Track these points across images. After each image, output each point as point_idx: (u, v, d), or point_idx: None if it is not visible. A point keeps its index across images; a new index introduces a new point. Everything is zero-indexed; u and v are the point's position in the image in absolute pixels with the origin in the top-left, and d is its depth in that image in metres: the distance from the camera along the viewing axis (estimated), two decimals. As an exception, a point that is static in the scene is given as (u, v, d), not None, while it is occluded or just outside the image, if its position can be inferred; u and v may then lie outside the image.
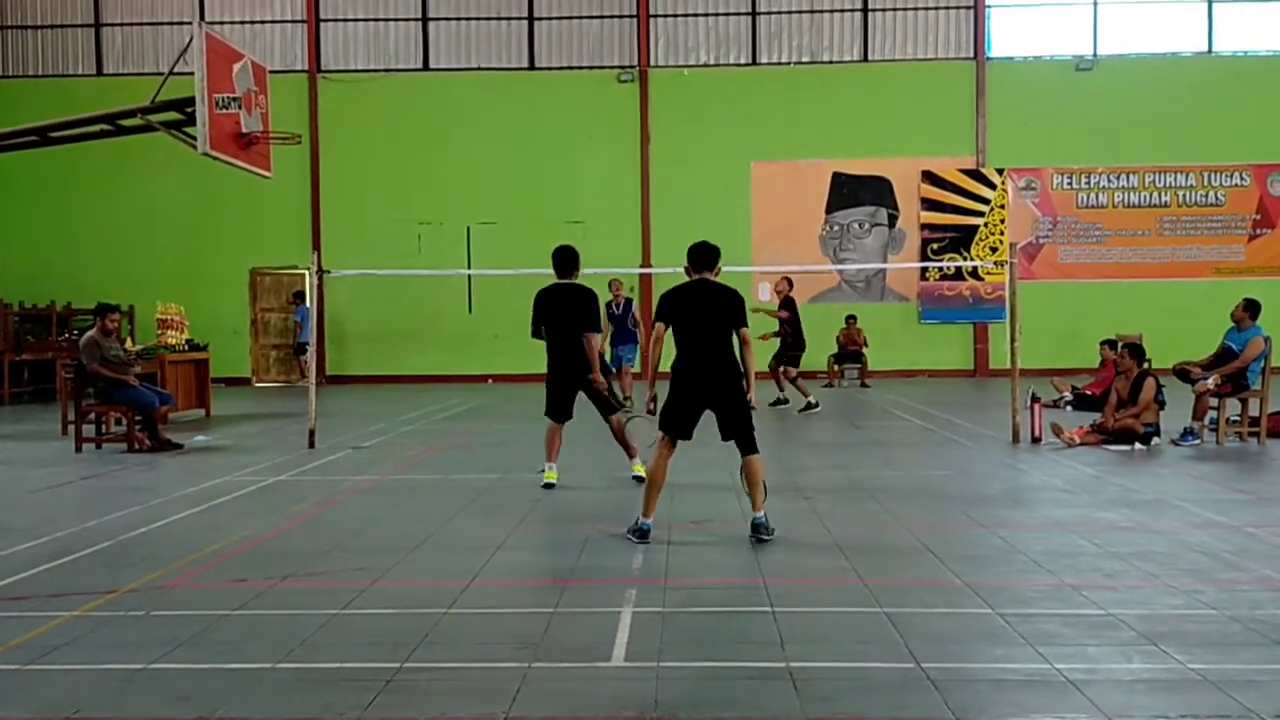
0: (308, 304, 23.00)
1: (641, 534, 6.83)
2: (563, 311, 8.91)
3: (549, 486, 8.81)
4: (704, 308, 7.05)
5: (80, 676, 4.38)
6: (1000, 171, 23.20)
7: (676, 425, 7.06)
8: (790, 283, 16.30)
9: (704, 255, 7.24)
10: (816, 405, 15.18)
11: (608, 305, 15.49)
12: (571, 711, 3.95)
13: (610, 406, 9.05)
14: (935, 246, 23.25)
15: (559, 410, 9.07)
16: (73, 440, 11.97)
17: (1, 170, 22.46)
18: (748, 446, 7.08)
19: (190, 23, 15.80)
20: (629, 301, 15.62)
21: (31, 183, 23.20)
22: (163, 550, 6.70)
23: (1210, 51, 23.22)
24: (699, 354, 6.99)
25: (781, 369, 15.97)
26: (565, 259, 9.11)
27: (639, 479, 8.47)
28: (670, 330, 7.05)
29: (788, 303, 16.06)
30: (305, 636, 4.86)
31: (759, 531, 6.81)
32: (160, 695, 4.15)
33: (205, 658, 4.59)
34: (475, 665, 4.50)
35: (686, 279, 7.19)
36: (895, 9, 23.38)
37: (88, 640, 4.86)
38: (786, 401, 15.99)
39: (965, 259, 23.05)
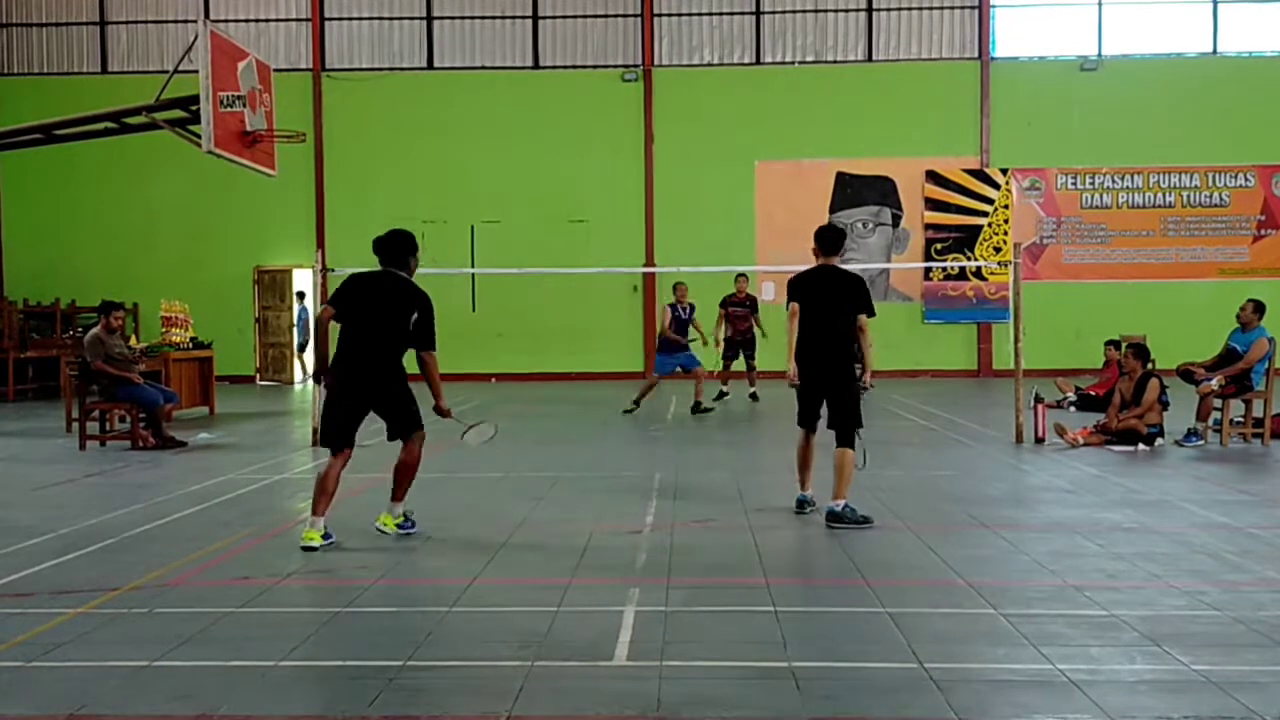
0: (307, 303, 23.03)
1: (799, 504, 7.63)
2: (384, 309, 6.72)
3: (308, 550, 6.50)
4: (830, 292, 7.49)
5: (84, 673, 4.39)
6: (1004, 171, 23.16)
7: (804, 418, 7.67)
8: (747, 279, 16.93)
9: (833, 239, 7.70)
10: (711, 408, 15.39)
11: (673, 307, 15.38)
12: (574, 710, 3.95)
13: (411, 426, 6.90)
14: (939, 246, 23.23)
15: (338, 435, 6.77)
16: (77, 438, 11.99)
17: (7, 168, 22.51)
18: (843, 439, 7.50)
19: (195, 21, 15.80)
20: (693, 306, 15.53)
21: (37, 180, 23.21)
22: (166, 548, 6.71)
23: (1215, 52, 23.18)
24: (817, 342, 7.47)
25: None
26: (393, 245, 6.88)
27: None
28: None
29: (754, 302, 16.78)
30: (308, 634, 4.87)
31: (830, 520, 7.15)
32: (163, 692, 4.16)
33: (208, 655, 4.60)
34: (478, 664, 4.51)
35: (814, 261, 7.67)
36: (899, 9, 23.35)
37: (91, 637, 4.87)
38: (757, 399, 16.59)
39: (969, 259, 23.03)
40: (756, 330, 16.51)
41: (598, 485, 9.17)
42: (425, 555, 6.57)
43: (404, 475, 6.98)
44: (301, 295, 23.25)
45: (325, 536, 6.64)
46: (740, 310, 16.34)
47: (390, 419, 6.90)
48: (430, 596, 5.54)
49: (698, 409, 14.91)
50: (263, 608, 5.38)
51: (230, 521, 7.60)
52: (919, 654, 4.52)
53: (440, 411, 6.93)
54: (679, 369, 15.28)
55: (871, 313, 7.49)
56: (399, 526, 6.99)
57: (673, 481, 9.17)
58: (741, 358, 16.49)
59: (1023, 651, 4.59)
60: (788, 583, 5.77)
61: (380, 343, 6.73)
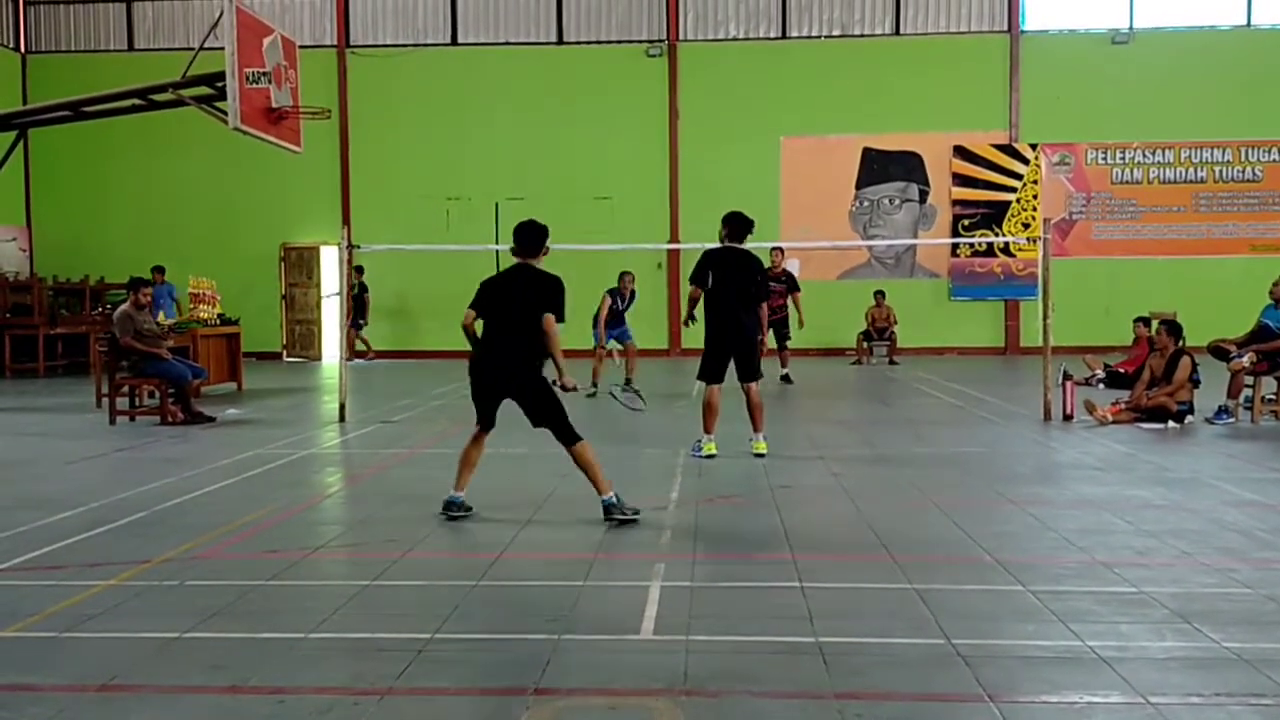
0: (167, 280, 20.30)
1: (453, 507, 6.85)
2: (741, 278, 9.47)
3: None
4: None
5: (115, 644, 4.44)
6: (1034, 146, 22.91)
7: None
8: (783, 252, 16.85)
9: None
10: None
11: (613, 294, 14.73)
12: (601, 684, 3.96)
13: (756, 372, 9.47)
14: (967, 222, 23.02)
15: (717, 371, 9.46)
16: (107, 413, 12.09)
17: (35, 145, 22.58)
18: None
19: (221, -3, 15.79)
20: (634, 294, 15.02)
21: (65, 157, 23.36)
22: (196, 521, 6.77)
23: (1249, 24, 22.78)
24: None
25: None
26: (741, 223, 9.63)
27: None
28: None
29: (791, 279, 16.74)
30: (337, 607, 4.90)
31: (610, 513, 6.65)
32: (194, 664, 4.20)
33: (238, 627, 4.64)
34: (505, 637, 4.52)
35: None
36: (928, -19, 23.08)
37: (123, 609, 4.92)
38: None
39: (997, 235, 22.81)
40: (792, 310, 16.13)
41: (622, 461, 9.15)
42: (452, 529, 6.60)
43: (755, 413, 9.32)
44: (161, 270, 21.60)
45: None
46: (776, 286, 14.96)
47: (741, 365, 9.28)
48: (457, 570, 5.56)
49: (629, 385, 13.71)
50: (292, 580, 5.42)
51: (259, 496, 7.66)
52: (946, 630, 4.50)
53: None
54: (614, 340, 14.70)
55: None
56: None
57: (697, 458, 9.15)
58: (773, 336, 15.30)
59: (1051, 628, 4.56)
60: (814, 558, 5.75)
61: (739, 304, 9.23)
